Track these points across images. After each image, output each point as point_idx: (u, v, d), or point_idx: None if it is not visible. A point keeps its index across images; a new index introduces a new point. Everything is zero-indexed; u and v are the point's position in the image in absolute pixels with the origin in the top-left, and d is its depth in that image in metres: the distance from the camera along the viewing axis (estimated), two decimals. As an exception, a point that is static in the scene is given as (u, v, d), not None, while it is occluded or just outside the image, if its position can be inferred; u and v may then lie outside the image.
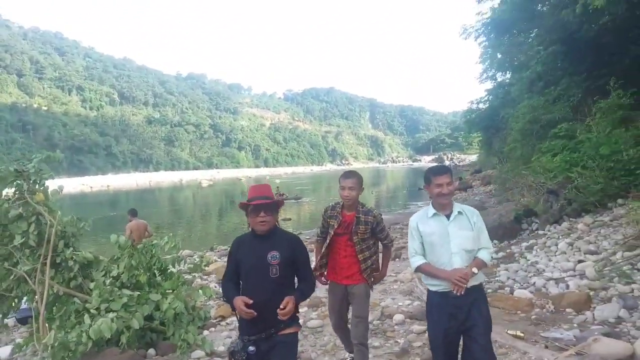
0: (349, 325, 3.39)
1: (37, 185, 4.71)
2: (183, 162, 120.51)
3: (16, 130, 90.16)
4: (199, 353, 4.13)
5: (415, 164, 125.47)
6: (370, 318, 4.94)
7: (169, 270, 4.93)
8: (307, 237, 12.55)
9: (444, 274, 2.50)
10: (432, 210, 2.64)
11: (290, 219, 19.21)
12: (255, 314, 2.24)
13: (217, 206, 33.83)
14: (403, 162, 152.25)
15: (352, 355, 3.41)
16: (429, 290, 2.69)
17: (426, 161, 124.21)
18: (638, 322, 3.88)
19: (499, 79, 31.52)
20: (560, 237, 7.79)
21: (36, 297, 4.40)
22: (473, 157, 70.40)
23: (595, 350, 3.11)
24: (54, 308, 4.13)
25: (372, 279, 3.36)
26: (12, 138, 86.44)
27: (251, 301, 2.27)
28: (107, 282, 4.27)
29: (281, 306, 2.27)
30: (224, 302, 6.10)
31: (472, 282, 2.49)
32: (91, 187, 66.28)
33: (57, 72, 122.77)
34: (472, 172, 38.53)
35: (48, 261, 4.17)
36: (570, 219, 8.69)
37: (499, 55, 28.85)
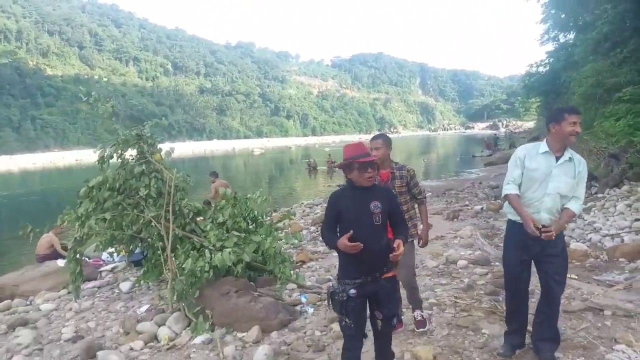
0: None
1: (152, 148, 5.64)
2: (234, 131, 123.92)
3: (80, 100, 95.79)
4: (291, 285, 4.98)
5: (468, 132, 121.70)
6: (435, 264, 5.61)
7: (259, 220, 5.78)
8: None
9: (525, 219, 2.61)
10: (544, 147, 2.71)
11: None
12: (362, 245, 2.37)
13: (274, 172, 35.37)
14: (455, 129, 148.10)
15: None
16: (509, 219, 2.87)
17: (479, 128, 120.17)
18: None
19: (562, 40, 29.89)
20: (620, 199, 7.96)
21: (151, 240, 5.40)
22: (530, 124, 67.16)
23: (641, 286, 3.60)
24: (178, 246, 5.08)
25: (414, 231, 3.54)
26: (76, 108, 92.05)
27: (351, 234, 2.42)
28: (215, 227, 5.16)
29: (395, 246, 2.45)
30: (301, 251, 6.96)
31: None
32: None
33: (114, 44, 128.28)
34: (529, 139, 37.31)
35: (171, 208, 5.11)
36: (631, 182, 8.75)
37: (563, 15, 27.31)
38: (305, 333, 3.91)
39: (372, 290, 2.52)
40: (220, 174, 11.52)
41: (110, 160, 5.54)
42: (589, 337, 3.03)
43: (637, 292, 3.63)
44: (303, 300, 4.56)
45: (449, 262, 5.48)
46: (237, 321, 4.12)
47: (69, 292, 6.71)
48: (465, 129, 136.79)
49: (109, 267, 7.80)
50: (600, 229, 6.55)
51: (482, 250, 5.79)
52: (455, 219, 8.97)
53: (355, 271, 2.50)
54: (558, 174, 2.64)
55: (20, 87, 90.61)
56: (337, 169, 23.70)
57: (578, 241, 6.12)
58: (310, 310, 4.26)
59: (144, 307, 5.43)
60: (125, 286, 6.47)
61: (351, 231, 2.40)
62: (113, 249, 6.65)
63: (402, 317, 3.66)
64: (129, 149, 5.64)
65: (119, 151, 5.50)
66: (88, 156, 67.39)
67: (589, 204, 8.46)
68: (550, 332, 2.79)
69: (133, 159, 5.57)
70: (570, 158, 2.68)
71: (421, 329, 3.51)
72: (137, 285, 6.32)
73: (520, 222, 2.67)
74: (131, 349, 4.20)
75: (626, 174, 9.08)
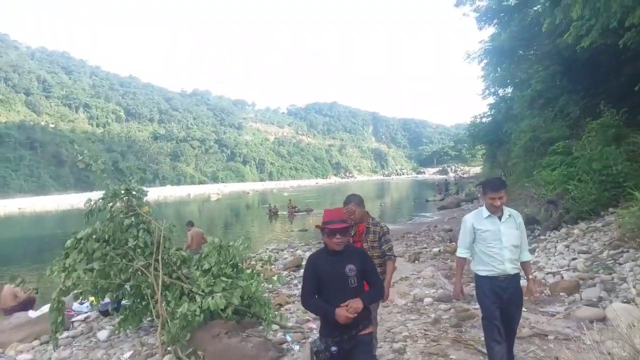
0: None
1: (140, 201, 6.00)
2: (189, 176, 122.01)
3: (24, 147, 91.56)
4: (274, 326, 5.36)
5: (420, 176, 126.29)
6: (404, 302, 6.18)
7: (239, 266, 6.16)
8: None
9: (455, 285, 3.44)
10: (486, 213, 3.26)
11: (306, 230, 20.40)
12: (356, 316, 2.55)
13: (232, 217, 35.18)
14: (407, 174, 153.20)
15: None
16: (477, 275, 3.35)
17: (430, 173, 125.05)
18: (614, 299, 5.09)
19: (501, 94, 32.85)
20: (559, 240, 8.97)
21: (138, 288, 5.64)
22: (477, 169, 71.04)
23: (576, 314, 4.33)
24: (167, 293, 5.36)
25: None
26: (20, 155, 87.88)
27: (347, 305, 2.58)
28: (202, 273, 5.50)
29: (348, 305, 2.58)
30: (277, 294, 7.32)
31: (515, 271, 3.27)
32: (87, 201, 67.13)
33: (64, 91, 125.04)
34: (476, 184, 39.56)
35: (160, 257, 5.42)
36: (568, 225, 9.85)
37: (500, 71, 30.13)
38: (294, 367, 4.30)
39: (350, 347, 2.67)
40: (173, 221, 11.58)
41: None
42: (536, 357, 3.67)
43: (574, 320, 4.36)
44: (288, 339, 4.95)
45: (415, 300, 6.09)
46: (230, 361, 4.45)
47: (42, 343, 6.68)
48: (417, 174, 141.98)
49: (81, 317, 7.77)
50: (544, 267, 7.42)
51: (443, 289, 6.45)
52: (416, 261, 9.67)
53: (335, 329, 2.64)
54: (505, 230, 3.19)
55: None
56: (296, 214, 23.85)
57: (524, 278, 6.92)
58: (297, 347, 4.66)
59: (127, 354, 5.59)
60: (102, 335, 6.54)
61: (348, 302, 2.56)
62: (93, 298, 6.76)
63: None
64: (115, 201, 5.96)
65: (108, 204, 5.81)
66: (32, 204, 63.97)
67: (532, 246, 9.42)
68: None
69: (121, 211, 5.88)
70: (509, 215, 3.27)
71: None
72: (115, 332, 6.42)
73: (489, 275, 3.24)
74: (125, 394, 4.39)
75: (563, 218, 10.20)
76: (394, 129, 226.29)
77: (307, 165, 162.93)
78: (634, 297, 4.95)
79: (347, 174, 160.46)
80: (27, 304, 8.39)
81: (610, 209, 9.38)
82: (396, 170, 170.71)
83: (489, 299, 3.22)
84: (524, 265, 3.36)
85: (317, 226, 2.90)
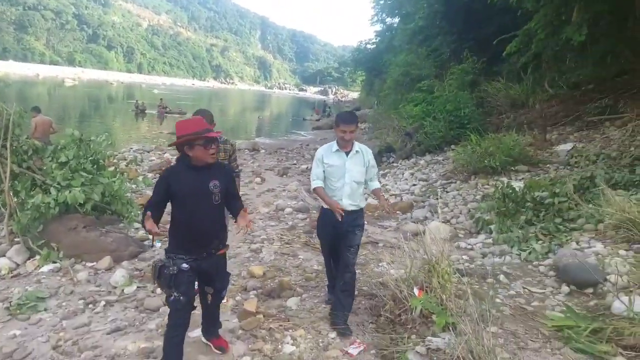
0: None
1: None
2: (38, 53, 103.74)
3: None
4: (136, 225, 5.43)
5: (301, 94, 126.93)
6: (267, 210, 6.69)
7: (101, 163, 5.90)
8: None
9: (333, 207, 3.06)
10: (335, 147, 3.22)
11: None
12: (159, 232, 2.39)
13: (91, 109, 31.59)
14: (289, 89, 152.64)
15: None
16: (322, 207, 3.37)
17: (311, 92, 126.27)
18: (435, 219, 6.26)
19: (388, 23, 33.88)
20: (407, 168, 10.31)
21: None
22: (356, 95, 73.47)
23: (404, 228, 5.31)
24: (16, 182, 4.93)
25: None
26: None
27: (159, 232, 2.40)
28: (58, 166, 5.17)
29: (239, 217, 2.57)
30: (140, 196, 7.24)
31: (359, 206, 3.26)
32: None
33: None
34: (352, 109, 41.45)
35: (8, 144, 4.88)
36: (417, 156, 11.29)
37: (389, 1, 30.69)
38: (154, 262, 4.52)
39: (206, 266, 2.60)
40: (16, 105, 10.21)
41: None
42: (367, 258, 4.48)
43: (401, 232, 5.32)
44: (150, 236, 5.08)
45: (278, 210, 6.65)
46: (86, 253, 4.47)
47: None
48: (299, 91, 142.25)
49: None
50: (390, 190, 8.57)
51: (304, 202, 7.13)
52: (284, 175, 10.26)
53: (191, 247, 2.53)
54: (350, 166, 3.18)
55: None
56: (167, 115, 22.22)
57: (373, 198, 7.98)
58: (158, 244, 4.84)
59: (-36, 244, 5.16)
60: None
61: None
62: None
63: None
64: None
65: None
66: None
67: (385, 170, 10.69)
68: (346, 286, 3.27)
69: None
70: (357, 151, 3.23)
71: None
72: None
73: (327, 208, 3.20)
74: (-34, 280, 4.17)
75: (415, 149, 11.61)
76: (282, 39, 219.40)
77: (183, 62, 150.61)
78: (450, 218, 6.18)
79: (228, 80, 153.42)
80: None
81: (453, 146, 10.93)
82: (279, 84, 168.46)
83: (325, 229, 3.34)
84: (375, 191, 3.40)
85: (176, 143, 2.54)
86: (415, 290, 3.02)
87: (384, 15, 33.24)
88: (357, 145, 3.27)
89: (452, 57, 14.74)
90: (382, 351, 2.74)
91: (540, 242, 4.38)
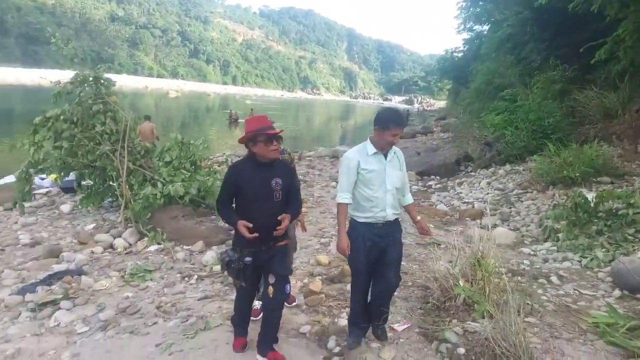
0: None
1: (108, 90, 6.37)
2: (147, 67, 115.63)
3: None
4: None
5: (385, 103, 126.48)
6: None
7: (198, 163, 6.84)
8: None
9: (341, 239, 2.74)
10: (372, 149, 2.75)
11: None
12: (258, 235, 2.52)
13: (190, 117, 34.84)
14: (374, 99, 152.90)
15: None
16: (354, 220, 2.83)
17: (396, 101, 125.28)
18: (504, 226, 6.29)
19: (477, 30, 32.86)
20: (484, 178, 10.21)
21: (105, 170, 6.24)
22: (442, 103, 71.65)
23: (468, 232, 5.47)
24: (131, 177, 6.00)
25: None
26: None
27: (251, 225, 2.52)
28: (164, 165, 6.16)
29: (279, 218, 2.57)
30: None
31: (395, 216, 2.83)
32: (50, 81, 63.71)
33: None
34: (437, 118, 40.62)
35: (126, 145, 5.98)
36: (497, 165, 11.10)
37: (478, 8, 29.84)
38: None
39: (265, 258, 2.68)
40: (132, 112, 11.83)
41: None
42: (427, 257, 4.76)
43: (465, 236, 5.49)
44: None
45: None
46: (184, 237, 5.31)
47: (5, 209, 7.25)
48: (384, 100, 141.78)
49: (42, 191, 8.31)
50: (463, 198, 8.63)
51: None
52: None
53: (253, 241, 2.58)
54: (390, 170, 2.77)
55: None
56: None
57: (445, 204, 8.12)
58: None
59: (91, 226, 6.33)
60: (65, 208, 7.21)
61: (251, 225, 2.52)
62: (54, 176, 7.28)
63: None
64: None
65: (78, 90, 6.15)
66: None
67: (462, 179, 10.67)
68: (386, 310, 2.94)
69: (90, 97, 6.24)
70: (394, 153, 2.84)
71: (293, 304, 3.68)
72: (78, 207, 7.09)
73: (365, 222, 2.76)
74: (92, 252, 5.20)
75: (494, 159, 11.42)
76: (368, 50, 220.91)
77: (274, 74, 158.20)
78: (520, 226, 6.20)
79: (314, 91, 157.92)
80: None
81: (534, 157, 10.58)
82: (363, 94, 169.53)
83: (360, 248, 2.77)
84: (410, 208, 2.98)
85: (242, 139, 2.64)
86: (461, 281, 3.29)
87: (471, 23, 32.41)
88: (393, 147, 2.86)
89: (542, 65, 14.11)
90: (424, 330, 3.06)
91: (604, 250, 4.34)
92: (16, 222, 6.52)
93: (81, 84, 6.22)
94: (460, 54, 36.66)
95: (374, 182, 2.73)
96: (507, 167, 10.64)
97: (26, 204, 7.28)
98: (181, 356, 2.97)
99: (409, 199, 2.98)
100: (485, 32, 29.26)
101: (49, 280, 4.44)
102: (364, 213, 2.75)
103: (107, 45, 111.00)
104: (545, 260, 4.66)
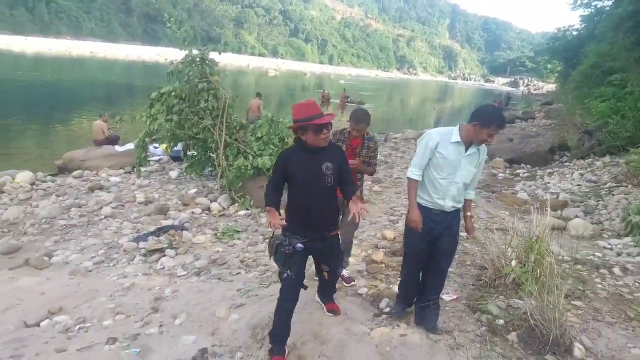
0: None
1: (212, 69, 7.21)
2: (250, 46, 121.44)
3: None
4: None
5: (487, 85, 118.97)
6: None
7: (285, 140, 7.48)
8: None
9: (412, 211, 2.74)
10: (456, 137, 2.66)
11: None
12: (284, 224, 2.52)
13: (286, 96, 36.33)
14: (475, 80, 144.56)
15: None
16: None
17: (500, 83, 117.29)
18: (586, 219, 6.06)
19: (598, 6, 29.45)
20: (579, 169, 9.60)
21: (206, 141, 7.14)
22: (551, 87, 65.41)
23: (543, 222, 5.41)
24: (227, 150, 6.84)
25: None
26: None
27: (285, 222, 2.54)
28: (255, 139, 6.88)
29: (352, 202, 2.48)
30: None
31: (453, 209, 2.78)
32: (165, 59, 69.99)
33: None
34: (542, 103, 37.60)
35: (224, 120, 6.80)
36: (596, 156, 10.32)
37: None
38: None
39: (320, 247, 2.67)
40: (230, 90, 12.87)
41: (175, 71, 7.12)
42: (490, 241, 4.90)
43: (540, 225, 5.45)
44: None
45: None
46: (268, 205, 5.98)
47: (126, 172, 8.59)
48: (485, 82, 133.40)
49: (155, 158, 9.64)
50: (550, 188, 8.29)
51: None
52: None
53: (306, 229, 2.58)
54: (465, 164, 2.68)
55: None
56: (348, 104, 24.09)
57: (527, 193, 7.91)
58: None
59: (193, 190, 7.32)
60: (173, 174, 8.36)
61: (283, 222, 2.52)
62: (165, 145, 8.42)
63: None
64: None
65: (187, 69, 7.07)
66: (103, 50, 67.41)
67: (554, 169, 10.12)
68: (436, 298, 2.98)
69: (196, 76, 7.14)
70: (477, 149, 2.71)
71: (352, 283, 3.75)
72: (184, 174, 8.18)
73: (425, 205, 2.77)
74: (193, 212, 6.11)
75: (594, 149, 10.61)
76: (472, 27, 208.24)
77: (370, 53, 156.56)
78: (603, 220, 5.96)
79: (411, 70, 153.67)
80: (113, 140, 10.34)
81: (637, 148, 9.68)
82: (463, 74, 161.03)
83: (417, 234, 2.78)
84: (467, 204, 2.90)
85: (292, 127, 2.60)
86: (514, 262, 3.46)
87: (588, -5, 29.03)
88: None
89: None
90: (470, 302, 3.31)
91: (684, 249, 4.11)
92: (134, 184, 7.78)
93: (190, 64, 7.13)
94: (574, 33, 33.30)
95: (445, 170, 2.69)
96: (607, 158, 9.85)
97: (142, 169, 8.57)
98: (256, 299, 3.58)
99: (471, 195, 2.90)
100: (607, 9, 26.22)
101: (158, 232, 5.40)
102: (424, 195, 2.77)
103: (215, 24, 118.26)
104: (619, 254, 4.53)
